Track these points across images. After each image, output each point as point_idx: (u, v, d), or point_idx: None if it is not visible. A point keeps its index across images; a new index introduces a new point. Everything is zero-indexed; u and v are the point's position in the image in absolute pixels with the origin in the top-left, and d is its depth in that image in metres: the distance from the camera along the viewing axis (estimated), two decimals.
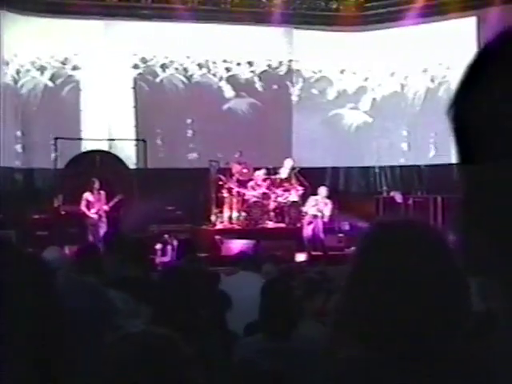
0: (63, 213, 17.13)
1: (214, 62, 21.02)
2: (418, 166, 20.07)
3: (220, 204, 17.98)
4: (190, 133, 20.02)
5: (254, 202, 17.68)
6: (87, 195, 16.53)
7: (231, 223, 17.74)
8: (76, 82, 19.99)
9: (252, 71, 21.25)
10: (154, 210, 17.40)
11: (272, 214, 17.84)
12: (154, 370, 1.82)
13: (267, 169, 18.14)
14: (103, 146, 19.62)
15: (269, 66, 21.36)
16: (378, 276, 1.64)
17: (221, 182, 17.93)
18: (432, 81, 20.68)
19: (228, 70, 21.13)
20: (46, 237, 15.82)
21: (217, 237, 17.06)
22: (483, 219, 0.82)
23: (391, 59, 20.98)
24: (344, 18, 21.54)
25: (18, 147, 19.07)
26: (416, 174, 20.05)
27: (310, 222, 17.01)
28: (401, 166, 20.58)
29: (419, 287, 1.60)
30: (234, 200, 17.76)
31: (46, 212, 17.37)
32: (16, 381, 1.80)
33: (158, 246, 15.14)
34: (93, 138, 19.52)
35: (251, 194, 17.72)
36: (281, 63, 21.46)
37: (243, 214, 17.65)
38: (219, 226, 17.75)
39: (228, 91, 21.10)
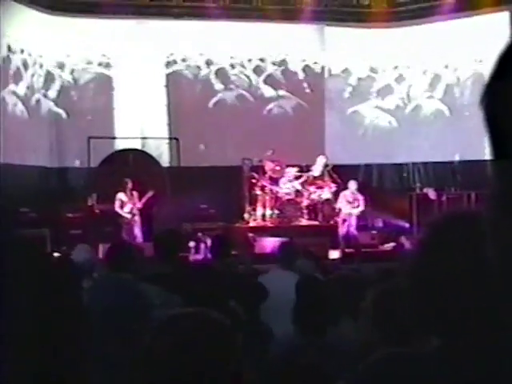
0: (97, 211, 17.23)
1: (250, 60, 21.01)
2: (452, 162, 19.91)
3: (253, 202, 17.98)
4: (222, 131, 20.00)
5: (287, 199, 17.68)
6: (121, 195, 16.62)
7: (264, 221, 17.74)
8: (109, 81, 20.09)
9: (283, 69, 21.22)
10: (187, 208, 17.46)
11: (305, 211, 17.80)
12: (206, 350, 1.81)
13: (300, 166, 18.11)
14: (136, 145, 19.72)
15: (301, 63, 21.31)
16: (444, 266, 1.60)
17: (254, 180, 17.94)
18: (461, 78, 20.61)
19: (260, 68, 21.12)
20: (80, 235, 15.93)
21: (250, 234, 17.07)
22: None
23: (423, 56, 20.87)
24: (376, 14, 21.46)
25: (53, 146, 19.19)
26: (449, 170, 19.88)
27: (344, 219, 16.97)
28: (434, 163, 20.43)
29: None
30: (267, 198, 17.75)
31: (79, 211, 17.47)
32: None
33: (192, 244, 15.20)
34: (126, 136, 19.63)
35: (284, 192, 17.71)
36: (313, 60, 21.41)
37: (276, 211, 17.65)
38: (252, 224, 17.74)
39: (261, 90, 21.09)
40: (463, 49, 20.04)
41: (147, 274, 5.43)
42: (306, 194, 17.78)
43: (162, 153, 19.98)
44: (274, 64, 21.18)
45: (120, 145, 19.49)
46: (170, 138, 20.06)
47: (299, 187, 17.78)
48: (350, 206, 16.87)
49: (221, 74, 20.86)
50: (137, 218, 16.65)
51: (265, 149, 17.98)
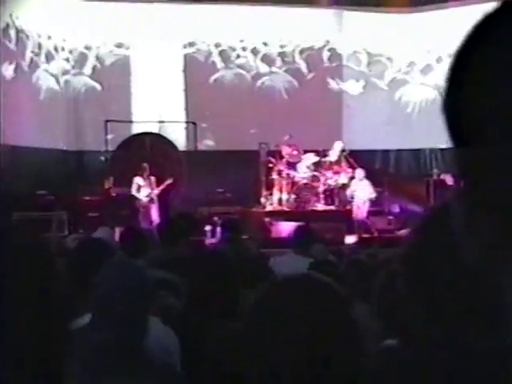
0: (114, 195, 17.27)
1: (266, 44, 20.95)
2: None
3: (270, 186, 17.98)
4: (239, 115, 19.95)
5: (304, 184, 17.66)
6: (138, 180, 16.67)
7: (281, 205, 17.73)
8: (127, 65, 20.10)
9: (302, 53, 21.15)
10: (204, 192, 17.49)
11: (321, 196, 17.78)
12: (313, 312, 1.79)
13: (317, 151, 18.08)
14: (153, 129, 19.73)
15: (319, 48, 21.24)
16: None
17: (270, 165, 17.92)
18: None
19: (283, 53, 21.08)
20: (97, 218, 15.99)
21: (266, 219, 17.08)
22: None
23: (441, 41, 20.74)
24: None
25: (70, 129, 19.25)
26: None
27: (358, 205, 17.03)
28: (452, 148, 20.28)
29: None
30: (284, 182, 17.74)
31: (97, 194, 17.52)
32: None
33: (208, 228, 15.22)
34: (143, 120, 19.65)
35: (301, 177, 17.70)
36: (330, 45, 21.32)
37: (293, 196, 17.64)
38: (269, 208, 17.75)
39: (281, 76, 21.05)
40: None
41: (160, 258, 5.45)
42: (322, 179, 17.76)
43: (179, 137, 19.97)
44: (290, 48, 21.11)
45: (137, 128, 19.49)
46: (188, 122, 20.06)
47: (316, 172, 17.78)
48: (361, 192, 17.00)
49: (239, 58, 20.82)
50: (154, 202, 16.71)
51: (282, 133, 17.95)
